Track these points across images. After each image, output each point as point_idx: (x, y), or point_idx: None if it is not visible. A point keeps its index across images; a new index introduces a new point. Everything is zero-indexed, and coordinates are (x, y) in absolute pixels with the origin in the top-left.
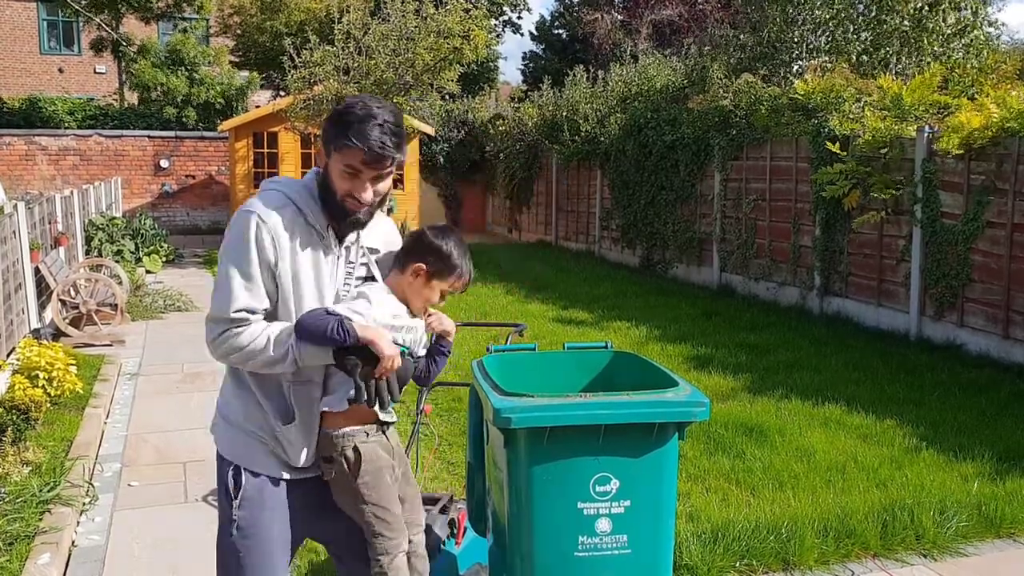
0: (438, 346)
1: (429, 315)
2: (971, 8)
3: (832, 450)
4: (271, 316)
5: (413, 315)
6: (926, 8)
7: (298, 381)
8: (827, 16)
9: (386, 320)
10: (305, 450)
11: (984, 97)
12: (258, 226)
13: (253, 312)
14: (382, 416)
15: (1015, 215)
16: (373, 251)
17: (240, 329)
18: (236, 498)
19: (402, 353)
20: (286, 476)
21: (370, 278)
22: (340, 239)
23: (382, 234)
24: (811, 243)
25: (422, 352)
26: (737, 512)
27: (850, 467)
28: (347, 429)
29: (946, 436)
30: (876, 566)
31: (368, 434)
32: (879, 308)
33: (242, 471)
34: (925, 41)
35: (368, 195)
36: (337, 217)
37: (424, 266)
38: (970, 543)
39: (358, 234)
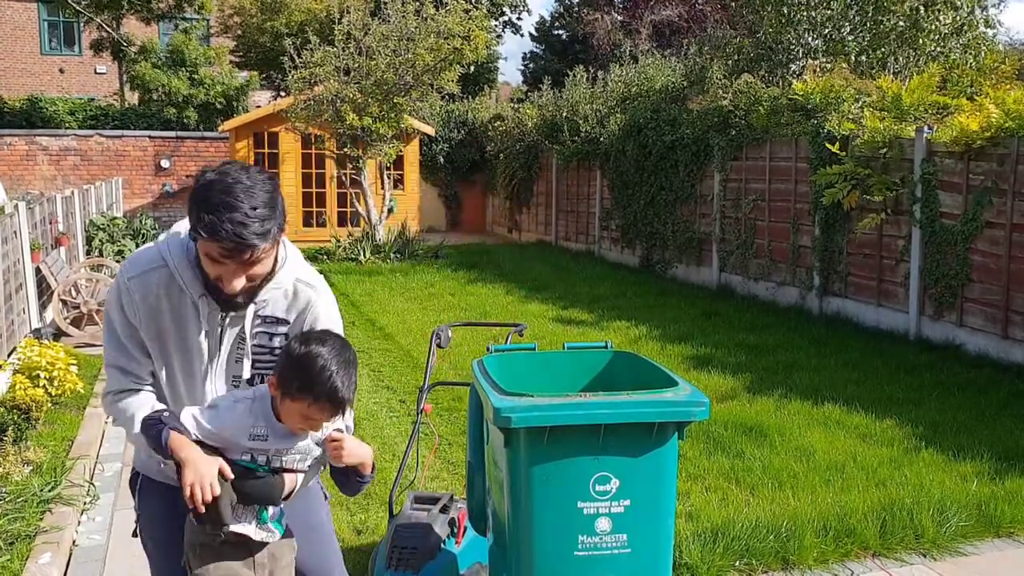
0: (355, 476)
1: (333, 439)
2: (967, 8)
3: (831, 450)
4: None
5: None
6: (921, 8)
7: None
8: (823, 17)
9: (241, 440)
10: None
11: (983, 98)
12: (120, 288)
13: (131, 375)
14: (253, 536)
15: (1014, 215)
16: (281, 321)
17: (120, 396)
18: (136, 500)
19: (266, 471)
20: None
21: (274, 349)
22: (224, 309)
23: (294, 301)
24: (810, 243)
25: (327, 462)
26: (737, 511)
27: (849, 467)
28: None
29: (945, 436)
30: (875, 565)
31: (220, 538)
32: (878, 308)
33: (140, 475)
34: (922, 40)
35: (237, 284)
36: (214, 294)
37: (275, 381)
38: (969, 543)
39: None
